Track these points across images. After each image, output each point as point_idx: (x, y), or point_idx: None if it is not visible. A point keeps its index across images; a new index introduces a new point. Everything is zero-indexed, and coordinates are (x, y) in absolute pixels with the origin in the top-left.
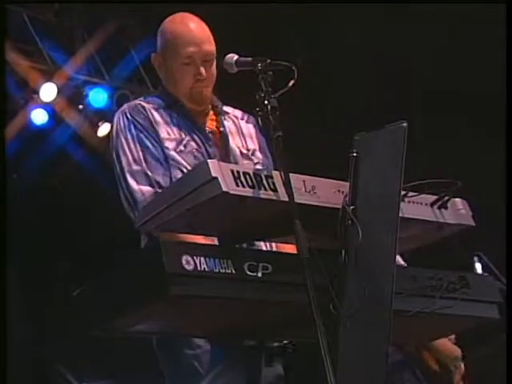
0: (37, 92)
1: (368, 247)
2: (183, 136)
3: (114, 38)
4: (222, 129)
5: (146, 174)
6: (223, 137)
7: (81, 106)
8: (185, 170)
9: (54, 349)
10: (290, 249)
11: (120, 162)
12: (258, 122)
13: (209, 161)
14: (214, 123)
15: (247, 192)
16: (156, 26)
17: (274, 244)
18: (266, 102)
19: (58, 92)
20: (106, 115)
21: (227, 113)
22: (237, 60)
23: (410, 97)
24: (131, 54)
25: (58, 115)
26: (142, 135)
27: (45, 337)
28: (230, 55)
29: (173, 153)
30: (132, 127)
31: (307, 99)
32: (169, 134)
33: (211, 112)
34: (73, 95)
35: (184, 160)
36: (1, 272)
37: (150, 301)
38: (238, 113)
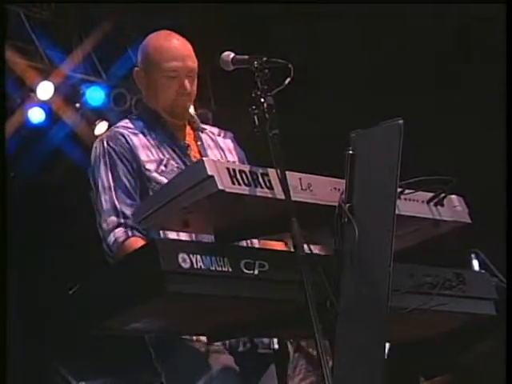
0: (34, 90)
1: (364, 245)
2: (162, 156)
3: (111, 37)
4: (199, 143)
5: (114, 204)
6: (201, 150)
7: (78, 105)
8: None
9: (52, 347)
10: (277, 246)
11: (95, 188)
12: (235, 138)
13: (205, 159)
14: (192, 137)
15: (243, 190)
16: (153, 24)
17: (256, 241)
18: (262, 99)
19: (55, 90)
20: (102, 114)
21: (204, 129)
22: (233, 58)
23: (409, 95)
24: (128, 52)
25: (55, 114)
26: (116, 163)
27: (44, 336)
28: (226, 53)
29: (154, 174)
30: (107, 155)
31: (302, 97)
32: (148, 156)
33: (188, 127)
34: (70, 94)
35: (166, 179)
36: (1, 272)
37: (147, 299)
38: (215, 129)
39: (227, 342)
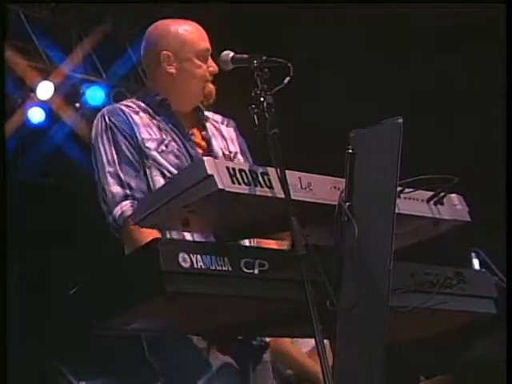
0: (34, 90)
1: (364, 244)
2: (164, 136)
3: (111, 36)
4: (204, 132)
5: (119, 176)
6: (206, 139)
7: (78, 105)
8: (165, 171)
9: (53, 347)
10: (273, 245)
11: (97, 163)
12: (237, 126)
13: (204, 158)
14: (196, 125)
15: (243, 189)
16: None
17: (255, 240)
18: (262, 98)
19: (55, 90)
20: None
21: (208, 117)
22: (233, 57)
23: (406, 95)
24: (128, 52)
25: (55, 113)
26: (117, 138)
27: (44, 335)
28: (225, 52)
29: (154, 153)
30: (109, 130)
31: (302, 96)
32: (150, 134)
33: (194, 115)
34: (70, 93)
35: (165, 160)
36: (1, 272)
37: (147, 299)
38: (218, 117)
39: None
